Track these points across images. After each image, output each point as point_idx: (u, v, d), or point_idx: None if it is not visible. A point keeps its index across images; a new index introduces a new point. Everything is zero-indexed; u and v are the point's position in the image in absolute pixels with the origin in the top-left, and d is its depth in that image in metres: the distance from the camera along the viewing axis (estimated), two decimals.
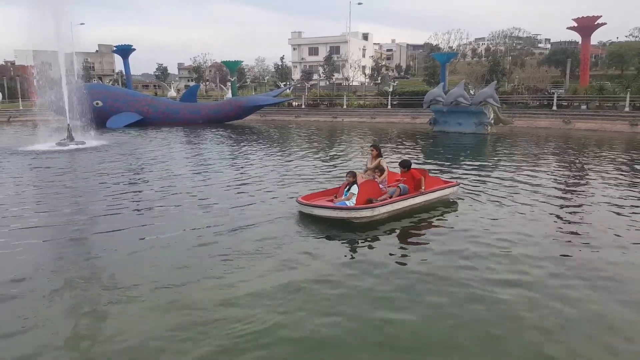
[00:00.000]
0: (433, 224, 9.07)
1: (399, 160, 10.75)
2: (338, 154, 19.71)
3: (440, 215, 9.57)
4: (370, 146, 11.08)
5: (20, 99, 49.19)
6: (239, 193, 11.68)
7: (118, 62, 73.49)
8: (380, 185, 9.77)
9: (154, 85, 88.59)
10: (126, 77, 54.90)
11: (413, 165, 10.50)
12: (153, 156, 18.44)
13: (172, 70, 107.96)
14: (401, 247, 7.82)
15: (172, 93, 57.29)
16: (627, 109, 32.21)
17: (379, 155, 10.72)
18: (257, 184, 12.78)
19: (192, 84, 71.09)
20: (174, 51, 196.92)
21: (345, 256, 7.33)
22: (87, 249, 7.70)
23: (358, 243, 7.97)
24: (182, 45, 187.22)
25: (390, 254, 7.37)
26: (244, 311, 5.48)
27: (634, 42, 57.96)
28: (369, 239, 8.12)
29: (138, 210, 10.00)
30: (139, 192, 11.86)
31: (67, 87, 23.11)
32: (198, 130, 30.87)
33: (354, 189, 9.06)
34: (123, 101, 35.04)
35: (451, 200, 10.64)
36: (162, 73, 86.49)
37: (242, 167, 15.83)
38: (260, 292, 5.95)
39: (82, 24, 59.59)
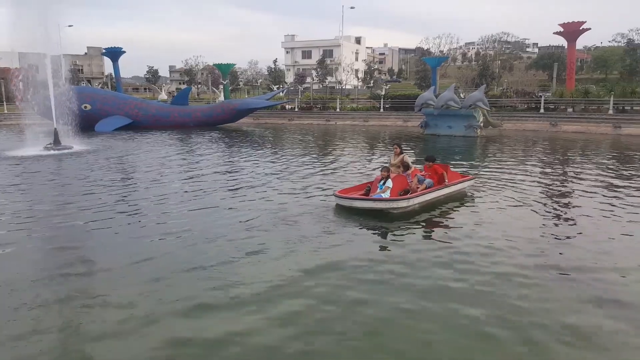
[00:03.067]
0: (453, 214, 10.12)
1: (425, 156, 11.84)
2: (339, 156, 19.95)
3: (459, 206, 10.68)
4: (393, 144, 12.04)
5: (5, 103, 48.59)
6: (233, 197, 11.72)
7: (108, 65, 73.23)
8: (408, 179, 10.66)
9: (145, 88, 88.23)
10: (116, 80, 54.63)
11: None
12: (142, 161, 18.31)
13: (164, 72, 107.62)
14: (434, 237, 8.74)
15: (163, 96, 57.08)
16: (611, 111, 32.71)
17: (402, 152, 11.58)
18: (249, 189, 12.83)
19: (183, 86, 70.92)
20: (165, 53, 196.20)
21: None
22: (73, 257, 7.44)
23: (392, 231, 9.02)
24: (174, 48, 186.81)
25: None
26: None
27: (616, 47, 58.77)
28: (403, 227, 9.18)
29: (127, 216, 9.80)
30: (128, 198, 11.62)
31: (54, 91, 22.89)
32: (189, 133, 30.79)
33: (389, 182, 10.07)
34: (112, 104, 34.79)
35: (468, 193, 11.77)
36: (153, 76, 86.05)
37: (237, 171, 15.88)
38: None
39: (70, 25, 59.11)
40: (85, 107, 32.66)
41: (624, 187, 12.98)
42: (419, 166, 12.58)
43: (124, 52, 51.55)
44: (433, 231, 9.13)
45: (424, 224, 9.49)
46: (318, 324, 5.40)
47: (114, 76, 57.36)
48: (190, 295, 6.03)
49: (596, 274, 6.79)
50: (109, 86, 67.09)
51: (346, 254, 7.58)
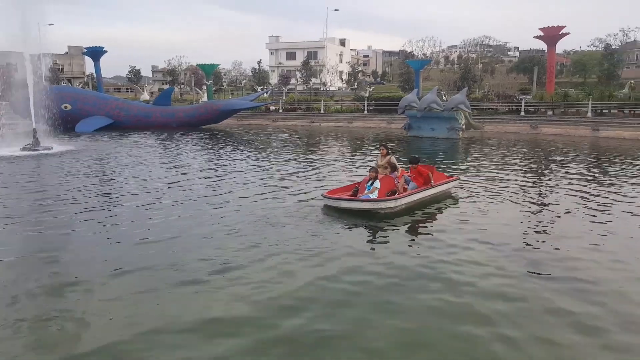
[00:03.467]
0: (438, 215, 10.36)
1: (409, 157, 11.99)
2: (325, 158, 20.01)
3: (444, 207, 10.96)
4: (380, 146, 12.34)
5: None
6: (218, 205, 11.65)
7: (89, 64, 72.05)
8: (395, 181, 10.81)
9: (127, 89, 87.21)
10: (97, 80, 53.90)
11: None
12: (124, 162, 17.98)
13: (146, 72, 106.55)
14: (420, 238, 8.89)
15: (145, 96, 56.56)
16: (589, 114, 33.38)
17: (388, 153, 11.80)
18: (235, 191, 12.77)
19: (166, 86, 70.29)
20: (147, 53, 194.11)
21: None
22: (48, 268, 6.98)
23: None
24: (157, 48, 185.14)
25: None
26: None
27: (595, 51, 60.03)
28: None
29: (107, 222, 9.34)
30: (108, 202, 11.20)
31: (33, 90, 22.51)
32: (172, 134, 30.54)
33: (377, 183, 10.24)
34: (93, 104, 34.36)
35: (452, 193, 12.01)
36: (135, 76, 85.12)
37: (221, 173, 15.79)
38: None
39: (50, 24, 58.16)
40: (66, 107, 32.24)
41: (602, 187, 13.30)
42: (404, 167, 12.72)
43: (106, 51, 50.92)
44: (419, 231, 9.31)
45: (410, 223, 9.69)
46: (303, 326, 5.42)
47: (95, 76, 56.53)
48: (175, 313, 5.64)
49: (576, 273, 6.95)
50: (90, 86, 66.17)
51: (334, 253, 7.62)
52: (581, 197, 12.06)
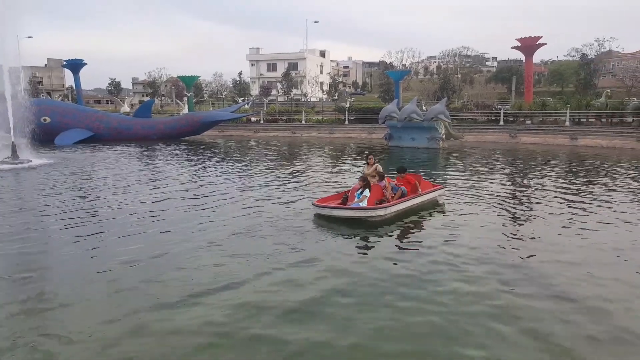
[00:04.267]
0: (425, 222, 10.64)
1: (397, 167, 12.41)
2: (309, 168, 20.11)
3: (431, 215, 11.21)
4: (368, 155, 12.69)
5: None
6: (201, 213, 11.57)
7: (68, 77, 71.18)
8: (383, 189, 11.05)
9: (107, 101, 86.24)
10: (77, 92, 53.24)
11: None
12: (104, 176, 17.72)
13: (126, 84, 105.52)
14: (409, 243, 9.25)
15: (126, 108, 55.98)
16: (567, 123, 34.11)
17: (375, 162, 12.21)
18: (220, 203, 12.71)
19: (146, 99, 69.72)
20: (128, 65, 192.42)
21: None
22: (24, 290, 6.73)
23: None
24: (137, 60, 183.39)
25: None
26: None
27: (571, 61, 61.46)
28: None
29: (87, 240, 9.07)
30: (88, 217, 10.93)
31: (12, 103, 22.15)
32: (153, 146, 30.27)
33: (367, 192, 10.44)
34: (72, 117, 33.92)
35: (439, 202, 12.27)
36: (115, 88, 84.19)
37: (205, 185, 15.71)
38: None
39: (29, 37, 57.45)
40: (45, 119, 31.77)
41: (581, 194, 13.67)
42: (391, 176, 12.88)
43: (85, 64, 50.42)
44: (407, 238, 9.57)
45: (398, 231, 9.89)
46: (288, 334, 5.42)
47: (74, 88, 55.83)
48: (157, 330, 5.53)
49: (555, 279, 7.10)
50: (70, 98, 65.29)
51: (324, 262, 7.77)
52: (561, 205, 12.35)
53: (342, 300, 6.38)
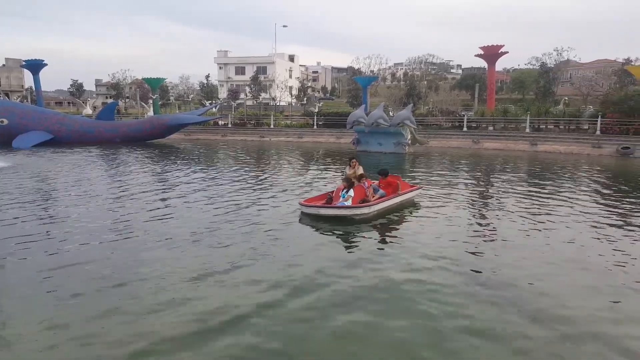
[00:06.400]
0: (403, 220, 11.46)
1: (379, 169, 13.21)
2: (279, 172, 20.16)
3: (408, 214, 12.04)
4: (351, 159, 13.51)
5: None
6: (161, 221, 11.39)
7: (28, 78, 68.81)
8: (366, 190, 11.72)
9: (69, 103, 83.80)
10: (36, 94, 51.59)
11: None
12: (63, 181, 17.03)
13: (89, 86, 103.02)
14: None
15: (88, 110, 54.47)
16: (527, 130, 35.25)
17: (357, 164, 13.10)
18: (189, 205, 12.52)
19: (110, 101, 68.13)
20: (91, 67, 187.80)
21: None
22: None
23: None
24: (101, 62, 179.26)
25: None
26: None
27: (532, 69, 63.57)
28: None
29: (42, 250, 8.53)
30: (45, 226, 10.29)
31: None
32: (117, 150, 29.55)
33: (351, 192, 11.15)
34: (32, 119, 32.76)
35: (415, 201, 13.18)
36: (77, 89, 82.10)
37: (170, 190, 15.43)
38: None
39: None
40: (2, 121, 30.68)
41: (540, 196, 14.34)
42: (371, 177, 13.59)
43: (46, 64, 48.94)
44: (388, 234, 10.21)
45: (380, 227, 10.59)
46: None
47: (34, 89, 54.04)
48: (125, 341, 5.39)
49: (517, 281, 7.34)
50: (30, 100, 63.15)
51: (312, 257, 8.28)
52: (520, 204, 13.13)
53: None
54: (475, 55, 44.20)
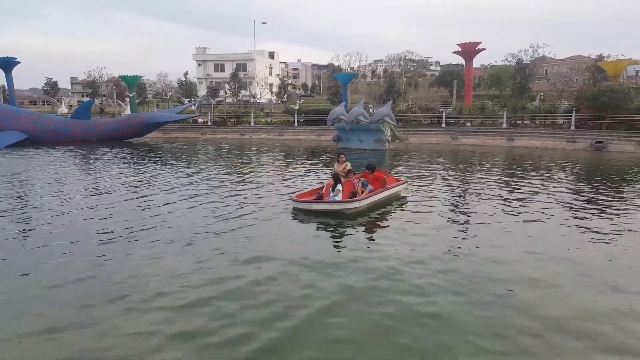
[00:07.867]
0: (391, 213, 11.80)
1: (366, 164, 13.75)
2: (261, 171, 19.99)
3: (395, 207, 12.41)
4: (339, 155, 13.83)
5: None
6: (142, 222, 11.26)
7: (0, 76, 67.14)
8: (355, 185, 12.05)
9: (43, 101, 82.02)
10: (9, 93, 50.40)
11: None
12: (38, 182, 16.53)
13: (64, 84, 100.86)
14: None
15: (63, 109, 53.52)
16: (504, 125, 35.85)
17: (345, 160, 13.40)
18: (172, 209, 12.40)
19: (86, 99, 66.91)
20: (66, 64, 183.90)
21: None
22: None
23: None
24: (76, 58, 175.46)
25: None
26: None
27: (509, 66, 64.47)
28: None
29: (15, 257, 8.19)
30: (18, 231, 9.90)
31: None
32: (93, 149, 29.03)
33: (340, 187, 11.50)
34: (4, 119, 32.07)
35: (401, 195, 13.59)
36: (52, 88, 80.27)
37: (151, 190, 15.22)
38: None
39: None
40: None
41: (518, 189, 14.75)
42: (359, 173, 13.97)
43: (19, 62, 47.80)
44: (376, 227, 10.61)
45: (369, 220, 11.00)
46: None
47: (6, 88, 52.76)
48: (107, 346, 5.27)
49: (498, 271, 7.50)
50: (2, 99, 61.60)
51: (306, 248, 8.58)
52: (499, 197, 13.78)
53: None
54: (454, 52, 44.70)
